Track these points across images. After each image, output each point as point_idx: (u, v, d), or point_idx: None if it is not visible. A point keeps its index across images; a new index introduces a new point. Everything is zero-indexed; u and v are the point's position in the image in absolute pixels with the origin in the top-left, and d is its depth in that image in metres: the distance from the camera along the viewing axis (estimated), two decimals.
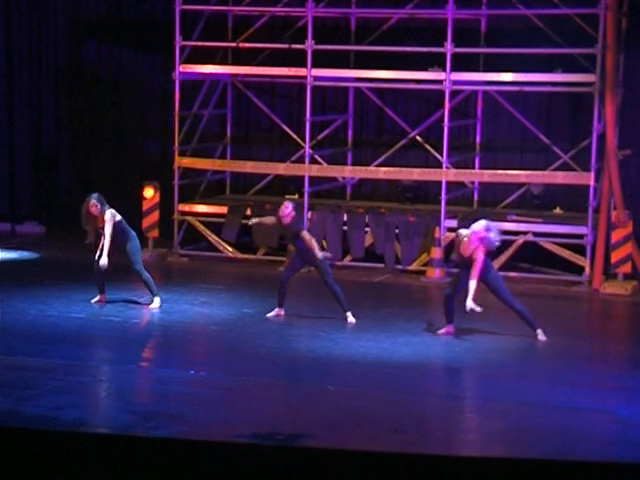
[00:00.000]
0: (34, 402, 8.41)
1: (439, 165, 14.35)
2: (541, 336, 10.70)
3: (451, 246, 14.08)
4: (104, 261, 11.32)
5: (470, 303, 10.37)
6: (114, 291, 12.23)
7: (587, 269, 13.59)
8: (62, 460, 5.80)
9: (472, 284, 10.36)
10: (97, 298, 11.72)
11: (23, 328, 10.72)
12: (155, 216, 14.85)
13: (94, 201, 11.41)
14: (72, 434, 7.00)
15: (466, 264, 10.52)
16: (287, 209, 11.19)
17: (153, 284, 11.66)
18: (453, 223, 14.11)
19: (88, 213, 11.46)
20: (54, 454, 5.82)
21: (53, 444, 5.96)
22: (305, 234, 11.12)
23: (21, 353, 9.82)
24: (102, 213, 11.40)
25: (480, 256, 10.40)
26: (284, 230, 11.54)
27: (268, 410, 8.52)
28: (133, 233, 11.70)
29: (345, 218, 14.50)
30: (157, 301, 11.66)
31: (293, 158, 15.21)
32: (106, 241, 11.35)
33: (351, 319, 11.27)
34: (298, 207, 14.61)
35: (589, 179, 13.64)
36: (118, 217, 11.49)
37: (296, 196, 15.40)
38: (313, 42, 14.31)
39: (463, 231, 10.67)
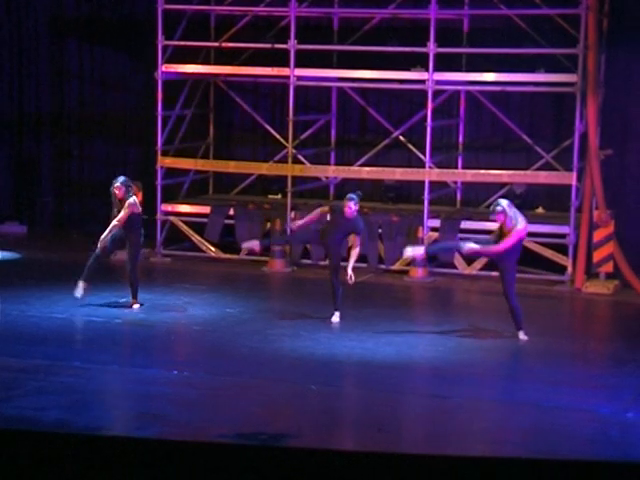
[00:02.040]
0: (15, 403, 8.38)
1: (422, 165, 14.37)
2: (522, 336, 10.74)
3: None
4: (103, 242, 11.33)
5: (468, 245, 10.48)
6: (95, 291, 12.19)
7: (569, 268, 13.64)
8: (44, 462, 5.78)
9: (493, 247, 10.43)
10: (82, 286, 11.56)
11: (4, 328, 10.66)
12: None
13: (119, 184, 11.39)
14: (54, 435, 6.97)
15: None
16: (350, 209, 11.12)
17: (137, 289, 11.62)
18: (436, 223, 14.15)
19: (115, 196, 11.44)
20: (35, 455, 5.79)
21: (35, 445, 5.93)
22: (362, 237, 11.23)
23: (2, 353, 9.77)
24: (126, 198, 11.37)
25: (516, 231, 10.44)
26: (346, 222, 11.28)
27: (251, 410, 8.51)
28: (142, 232, 11.70)
29: (328, 218, 14.46)
30: (136, 306, 11.62)
31: (276, 158, 15.20)
32: (114, 223, 11.32)
33: (336, 319, 11.26)
34: (281, 207, 14.70)
35: (571, 179, 13.70)
36: (139, 209, 11.49)
37: (279, 196, 15.40)
38: (296, 42, 14.31)
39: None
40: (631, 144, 14.56)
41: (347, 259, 11.33)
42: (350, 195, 11.37)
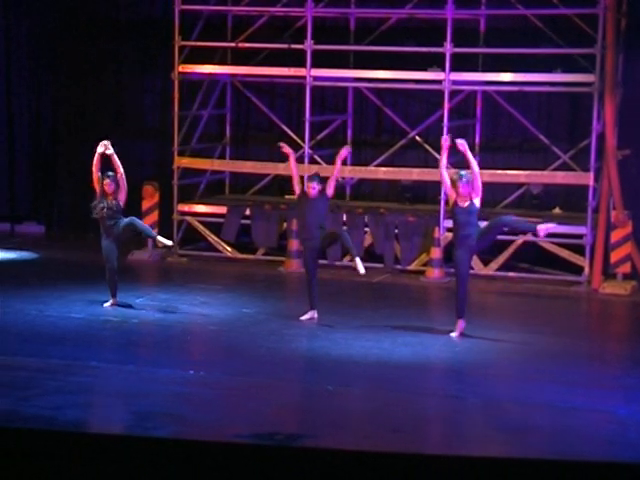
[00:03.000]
0: (33, 402, 8.41)
1: (438, 165, 14.32)
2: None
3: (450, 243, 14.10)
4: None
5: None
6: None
7: (586, 269, 13.59)
8: (61, 460, 5.81)
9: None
10: (110, 302, 11.64)
11: (22, 328, 10.72)
12: (154, 216, 14.85)
13: (109, 180, 11.50)
14: (71, 434, 7.00)
15: (465, 235, 10.44)
16: (314, 189, 11.15)
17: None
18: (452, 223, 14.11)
19: (104, 191, 11.51)
20: (53, 454, 5.82)
21: (52, 444, 5.96)
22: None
23: (20, 353, 9.82)
24: (115, 192, 11.53)
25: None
26: (315, 203, 11.23)
27: (267, 410, 8.52)
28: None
29: (344, 218, 14.50)
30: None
31: None
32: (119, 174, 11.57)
33: (360, 267, 10.86)
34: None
35: (588, 179, 13.65)
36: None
37: (295, 196, 15.40)
38: (312, 42, 14.32)
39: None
40: None
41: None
42: (311, 175, 11.46)
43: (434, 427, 8.56)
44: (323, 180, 11.43)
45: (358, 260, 10.85)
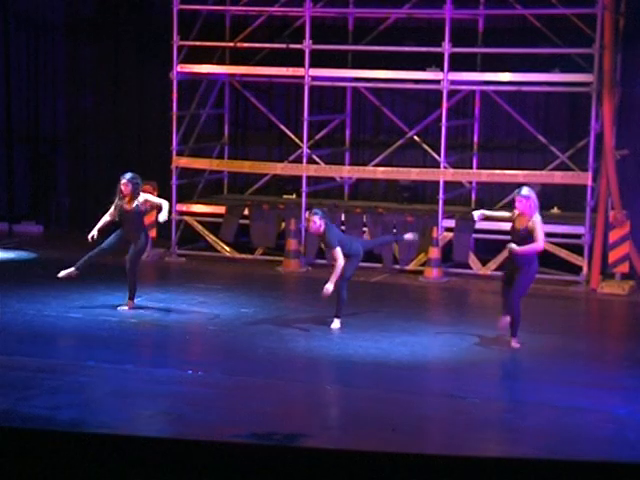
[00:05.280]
0: (31, 402, 8.41)
1: (437, 165, 14.35)
2: (514, 344, 10.43)
3: (450, 245, 14.10)
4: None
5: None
6: (110, 291, 12.22)
7: (585, 269, 13.59)
8: (59, 460, 5.79)
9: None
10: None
11: (20, 328, 10.71)
12: (152, 215, 14.83)
13: (126, 180, 11.28)
14: (69, 434, 6.99)
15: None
16: (315, 224, 10.75)
17: (135, 289, 11.47)
18: (451, 223, 14.12)
19: (120, 192, 11.35)
20: (51, 454, 5.81)
21: (50, 444, 5.95)
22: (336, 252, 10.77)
23: (18, 353, 9.81)
24: (134, 195, 11.22)
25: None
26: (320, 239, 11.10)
27: (266, 410, 8.51)
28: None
29: (343, 218, 14.49)
30: (130, 304, 11.48)
31: (291, 158, 15.21)
32: (165, 207, 11.25)
33: (336, 325, 10.99)
34: (296, 207, 14.69)
35: (587, 179, 13.65)
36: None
37: (294, 196, 15.41)
38: (311, 42, 14.32)
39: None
40: None
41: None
42: (313, 211, 10.94)
43: (434, 427, 8.55)
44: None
45: (336, 321, 10.94)
